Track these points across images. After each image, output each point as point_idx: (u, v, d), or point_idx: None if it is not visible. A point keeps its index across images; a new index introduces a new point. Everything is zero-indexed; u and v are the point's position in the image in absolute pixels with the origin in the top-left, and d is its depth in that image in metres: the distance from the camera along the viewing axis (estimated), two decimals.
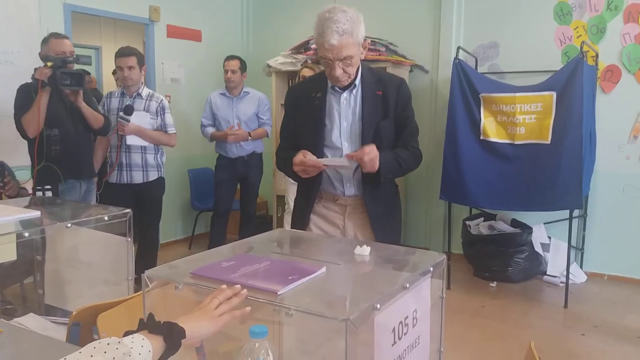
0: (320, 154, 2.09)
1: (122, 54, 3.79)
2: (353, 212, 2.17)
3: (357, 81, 2.11)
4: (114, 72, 5.54)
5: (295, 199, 2.31)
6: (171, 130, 3.96)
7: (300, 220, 2.20)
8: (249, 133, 4.64)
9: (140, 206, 3.72)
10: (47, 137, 3.23)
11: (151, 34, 5.20)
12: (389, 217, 2.20)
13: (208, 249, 4.78)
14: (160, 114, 3.90)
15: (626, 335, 3.50)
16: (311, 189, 2.18)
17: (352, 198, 2.17)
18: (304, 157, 2.02)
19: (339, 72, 1.98)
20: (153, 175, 3.91)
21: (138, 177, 3.85)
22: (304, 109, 2.18)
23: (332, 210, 2.19)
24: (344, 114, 2.12)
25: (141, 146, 3.83)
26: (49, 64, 3.10)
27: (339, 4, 2.04)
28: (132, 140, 3.80)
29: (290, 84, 5.41)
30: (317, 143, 2.11)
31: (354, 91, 2.12)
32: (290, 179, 4.51)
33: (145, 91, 3.89)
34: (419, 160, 2.23)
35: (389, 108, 2.11)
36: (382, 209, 2.18)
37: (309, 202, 2.19)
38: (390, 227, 2.18)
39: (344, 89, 2.11)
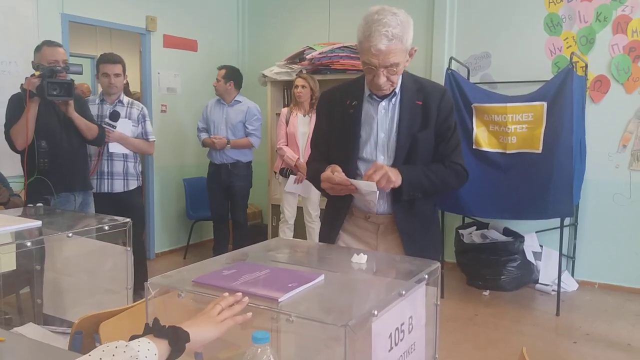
0: (353, 168, 1.93)
1: (108, 60, 3.73)
2: (386, 230, 1.99)
3: (397, 89, 1.94)
4: None
5: (324, 213, 2.16)
6: (152, 138, 3.96)
7: (328, 237, 2.03)
8: (228, 140, 4.68)
9: (122, 216, 3.62)
10: (34, 149, 3.13)
11: (147, 43, 5.24)
12: (425, 237, 1.99)
13: (213, 254, 4.75)
14: (142, 122, 3.90)
15: (617, 343, 3.54)
16: (342, 205, 2.00)
17: (385, 216, 1.98)
18: (332, 174, 1.85)
19: (382, 80, 1.83)
20: (133, 184, 3.87)
21: (119, 186, 3.80)
22: (337, 118, 2.01)
23: (364, 228, 2.01)
24: (382, 124, 1.95)
25: (123, 154, 3.80)
26: (37, 73, 3.02)
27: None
28: (114, 147, 3.76)
29: (286, 94, 5.46)
30: (351, 155, 1.95)
31: (393, 100, 1.96)
32: (285, 191, 4.58)
33: (125, 99, 3.87)
34: (461, 177, 2.02)
35: (429, 119, 1.94)
36: (417, 228, 1.98)
37: (338, 219, 2.02)
38: (426, 247, 1.92)
39: (382, 97, 1.94)
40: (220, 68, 4.81)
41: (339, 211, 2.02)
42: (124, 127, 3.80)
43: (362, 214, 2.00)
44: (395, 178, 1.82)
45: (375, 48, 1.75)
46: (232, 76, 4.77)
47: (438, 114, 1.95)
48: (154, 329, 1.03)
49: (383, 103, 1.95)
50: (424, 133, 1.93)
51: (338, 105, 2.01)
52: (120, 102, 3.84)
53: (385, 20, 1.75)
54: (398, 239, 1.96)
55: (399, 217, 1.95)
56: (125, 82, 3.87)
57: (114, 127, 3.72)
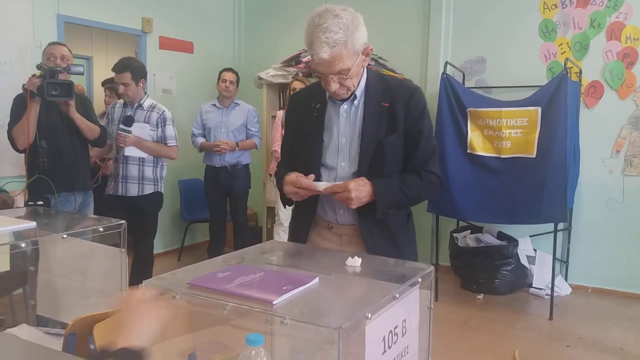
0: (316, 175, 1.81)
1: (116, 69, 3.69)
2: (350, 242, 1.85)
3: (359, 91, 1.82)
4: (103, 84, 5.53)
5: (290, 223, 2.07)
6: (171, 142, 3.84)
7: None
8: (237, 143, 4.69)
9: (134, 220, 3.47)
10: (36, 149, 3.16)
11: (143, 45, 5.24)
12: (393, 251, 1.75)
13: (208, 256, 4.69)
14: (161, 126, 3.81)
15: (610, 347, 3.56)
16: (305, 214, 1.91)
17: (348, 227, 1.86)
18: (296, 178, 1.76)
19: (334, 86, 1.72)
20: (149, 189, 3.79)
21: (133, 190, 3.75)
22: (302, 122, 1.91)
23: (328, 239, 1.89)
24: (343, 128, 1.83)
25: (139, 158, 3.74)
26: (38, 73, 3.05)
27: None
28: (130, 151, 3.71)
29: (282, 96, 5.47)
30: (313, 162, 1.84)
31: (356, 102, 1.83)
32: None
33: (147, 102, 3.80)
34: (435, 187, 1.87)
35: (396, 122, 1.79)
36: (385, 242, 1.82)
37: (303, 229, 1.92)
38: None
39: (344, 99, 1.83)
40: (230, 70, 4.79)
41: (303, 222, 1.93)
42: (141, 131, 3.74)
43: (326, 223, 1.89)
44: (357, 206, 1.71)
45: (318, 57, 1.65)
46: (239, 81, 4.81)
47: (406, 117, 1.79)
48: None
49: (344, 106, 1.83)
50: (391, 138, 1.79)
51: (304, 108, 1.91)
52: (141, 105, 3.77)
53: (325, 25, 1.62)
54: (363, 252, 1.78)
55: (363, 230, 1.82)
56: (141, 86, 3.76)
57: (129, 131, 3.66)
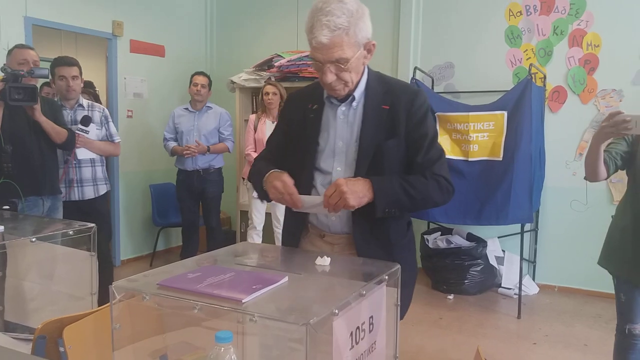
0: (309, 178, 1.72)
1: (64, 63, 3.59)
2: (342, 252, 1.75)
3: (359, 92, 1.71)
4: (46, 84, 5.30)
5: (283, 230, 1.97)
6: (117, 139, 3.86)
7: None
8: (208, 147, 4.69)
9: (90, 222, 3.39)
10: (1, 153, 3.10)
11: (114, 48, 5.20)
12: None
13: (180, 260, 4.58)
14: (105, 124, 3.79)
15: (574, 344, 3.68)
16: (297, 220, 1.82)
17: (341, 236, 1.76)
18: (286, 182, 1.63)
19: (330, 77, 1.60)
20: (102, 189, 3.77)
21: (89, 193, 3.69)
22: (298, 122, 1.79)
23: (319, 248, 1.78)
24: (340, 131, 1.72)
25: (90, 159, 3.70)
26: (0, 77, 3.00)
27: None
28: (82, 154, 3.65)
29: (254, 100, 5.49)
30: (306, 165, 1.74)
31: (354, 104, 1.72)
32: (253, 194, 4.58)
33: (85, 102, 3.76)
34: (445, 191, 1.70)
35: (397, 126, 1.68)
36: (381, 253, 1.66)
37: (294, 237, 1.83)
38: None
39: (342, 100, 1.72)
40: (201, 74, 4.78)
41: (294, 229, 1.84)
42: (90, 131, 3.71)
43: (317, 231, 1.80)
44: (356, 201, 1.57)
45: (317, 40, 1.55)
46: (211, 85, 4.82)
47: (408, 120, 1.69)
48: None
49: (342, 107, 1.73)
50: (391, 142, 1.68)
51: (300, 109, 1.80)
52: (80, 105, 3.72)
53: (328, 9, 1.54)
54: None
55: (358, 240, 1.71)
56: (82, 84, 3.73)
57: (87, 132, 3.64)
